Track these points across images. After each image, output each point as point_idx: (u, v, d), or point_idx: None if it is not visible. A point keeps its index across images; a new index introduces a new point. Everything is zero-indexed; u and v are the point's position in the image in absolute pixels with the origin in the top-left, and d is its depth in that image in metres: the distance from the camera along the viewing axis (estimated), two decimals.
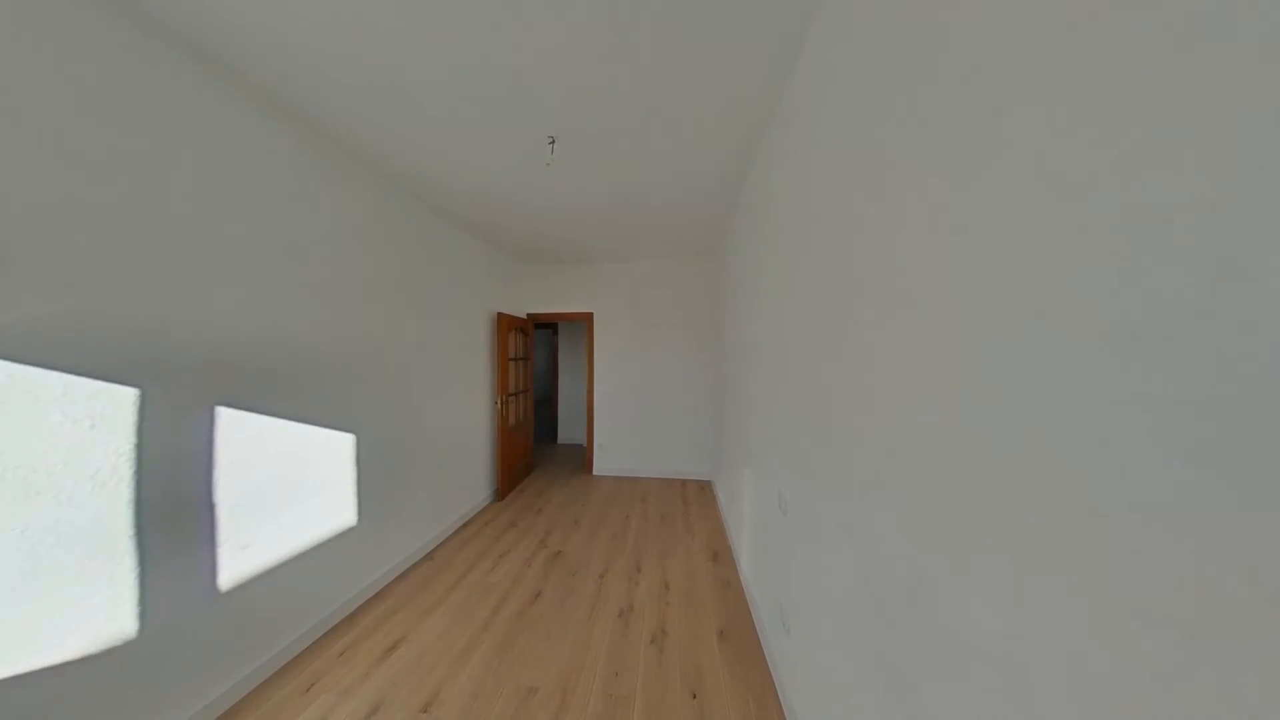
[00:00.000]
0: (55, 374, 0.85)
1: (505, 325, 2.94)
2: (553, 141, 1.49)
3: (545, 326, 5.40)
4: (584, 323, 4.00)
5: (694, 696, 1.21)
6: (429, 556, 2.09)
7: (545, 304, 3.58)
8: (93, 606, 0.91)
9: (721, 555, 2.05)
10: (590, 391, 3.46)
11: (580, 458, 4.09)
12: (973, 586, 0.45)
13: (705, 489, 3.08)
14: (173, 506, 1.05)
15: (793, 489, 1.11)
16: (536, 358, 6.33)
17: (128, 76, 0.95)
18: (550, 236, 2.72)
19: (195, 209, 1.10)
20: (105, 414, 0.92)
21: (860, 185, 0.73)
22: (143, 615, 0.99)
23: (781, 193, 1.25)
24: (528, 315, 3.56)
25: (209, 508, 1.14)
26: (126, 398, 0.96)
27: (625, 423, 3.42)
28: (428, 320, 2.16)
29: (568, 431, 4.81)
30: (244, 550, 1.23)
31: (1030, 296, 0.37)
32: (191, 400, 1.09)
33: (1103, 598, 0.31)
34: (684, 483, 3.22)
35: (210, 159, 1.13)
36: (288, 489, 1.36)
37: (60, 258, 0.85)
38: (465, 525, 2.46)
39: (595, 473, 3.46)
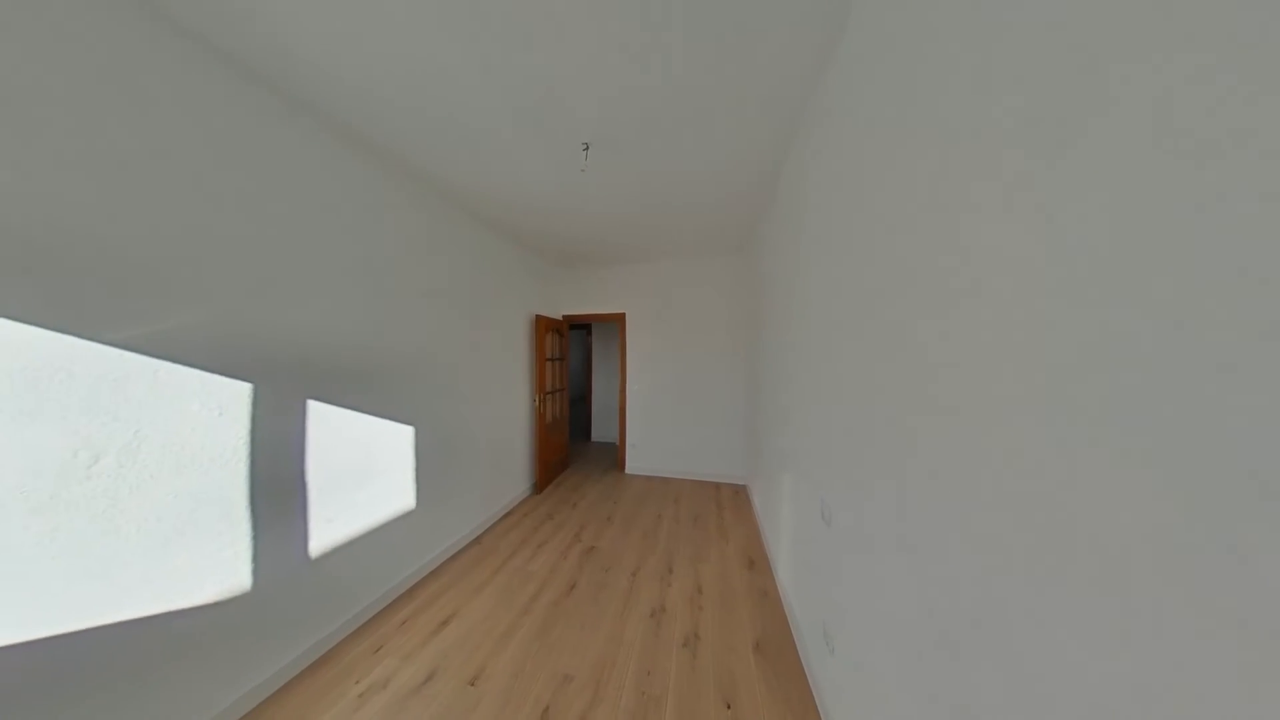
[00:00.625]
0: (195, 371, 1.05)
1: (543, 327, 3.09)
2: (586, 147, 1.54)
3: (579, 327, 5.59)
4: (616, 323, 4.07)
5: (728, 707, 1.18)
6: (476, 541, 2.26)
7: (579, 305, 3.70)
8: (222, 560, 1.11)
9: (758, 563, 1.98)
10: (622, 391, 3.52)
11: (613, 456, 4.17)
12: (1063, 621, 0.39)
13: (740, 493, 2.98)
14: (276, 482, 1.25)
15: (837, 498, 1.04)
16: (571, 358, 6.56)
17: (247, 127, 1.15)
18: (584, 240, 2.81)
19: (291, 233, 1.30)
20: (229, 404, 1.12)
21: (918, 167, 0.67)
22: (255, 572, 1.19)
23: (824, 181, 1.18)
24: (563, 317, 3.70)
25: (302, 485, 1.33)
26: (243, 391, 1.16)
27: (657, 423, 3.42)
28: (474, 323, 2.34)
29: (601, 430, 4.93)
30: (329, 523, 1.42)
31: (1152, 284, 0.31)
32: (289, 394, 1.29)
33: (1251, 651, 0.26)
34: (718, 486, 3.15)
35: (302, 189, 1.33)
36: (360, 473, 1.55)
37: (200, 278, 1.06)
38: (507, 515, 2.63)
39: (627, 471, 3.51)
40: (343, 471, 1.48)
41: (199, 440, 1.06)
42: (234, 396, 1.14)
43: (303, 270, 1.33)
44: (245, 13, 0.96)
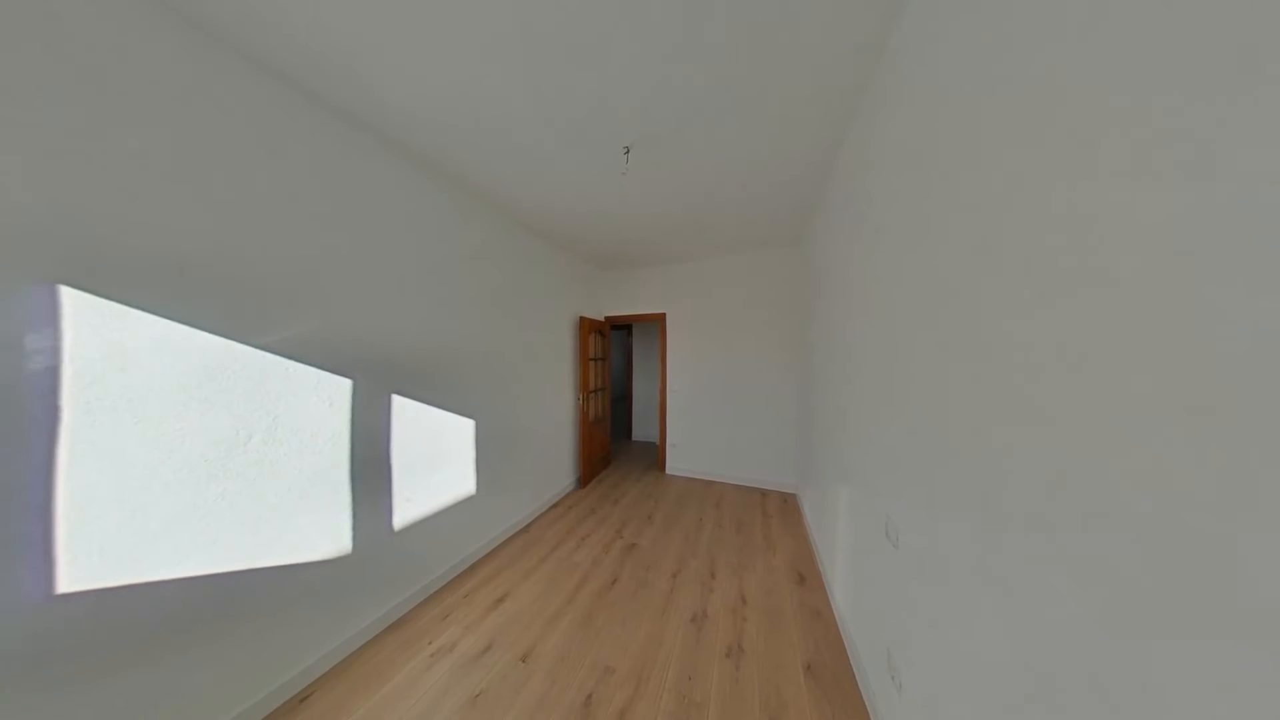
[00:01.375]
0: (312, 369, 1.28)
1: (586, 328, 3.22)
2: (627, 151, 1.57)
3: (620, 328, 5.71)
4: (656, 324, 4.08)
5: None
6: (526, 529, 2.44)
7: (620, 307, 3.78)
8: (331, 526, 1.34)
9: (809, 579, 1.85)
10: (662, 391, 3.52)
11: (653, 455, 4.19)
12: (1226, 690, 0.31)
13: (789, 502, 2.81)
14: (368, 464, 1.47)
15: (904, 516, 0.94)
16: (613, 358, 6.73)
17: (348, 164, 1.38)
18: (625, 241, 2.87)
19: (379, 250, 1.52)
20: (335, 396, 1.35)
21: (1012, 128, 0.57)
22: (354, 538, 1.42)
23: (888, 160, 1.06)
24: (605, 318, 3.82)
25: (388, 468, 1.56)
26: (345, 385, 1.39)
27: (698, 424, 3.38)
28: (524, 326, 2.52)
29: (641, 429, 4.99)
30: (408, 502, 1.64)
31: None
32: (377, 389, 1.51)
33: None
34: (763, 493, 3.00)
35: (387, 211, 1.55)
36: (431, 459, 1.77)
37: (316, 293, 1.29)
38: (553, 506, 2.79)
39: (668, 471, 3.51)
40: (418, 457, 1.70)
41: (315, 426, 1.29)
42: (339, 390, 1.37)
43: (387, 282, 1.56)
44: (345, 69, 1.15)
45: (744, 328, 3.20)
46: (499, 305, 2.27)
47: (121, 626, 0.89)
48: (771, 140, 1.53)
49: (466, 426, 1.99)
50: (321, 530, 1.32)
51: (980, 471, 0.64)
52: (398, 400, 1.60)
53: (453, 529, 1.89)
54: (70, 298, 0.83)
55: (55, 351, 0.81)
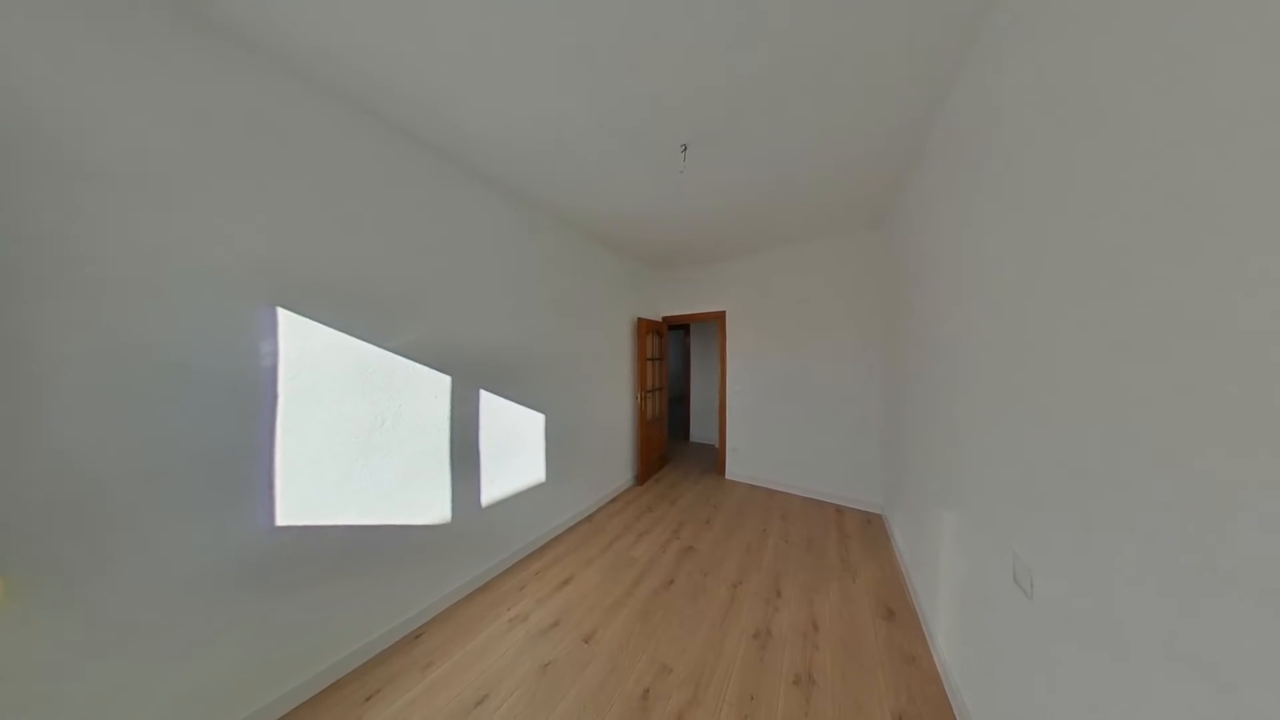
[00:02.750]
0: (424, 367, 1.57)
1: (643, 329, 3.30)
2: (685, 148, 1.57)
3: (678, 328, 5.69)
4: (715, 322, 3.96)
5: None
6: (588, 519, 2.61)
7: (677, 306, 3.78)
8: (436, 498, 1.63)
9: (900, 617, 1.61)
10: (722, 392, 3.41)
11: (712, 458, 4.09)
12: None
13: (873, 524, 2.48)
14: (463, 449, 1.75)
15: (1044, 558, 0.77)
16: (670, 357, 6.74)
17: (445, 193, 1.66)
18: (683, 241, 2.87)
19: (469, 265, 1.79)
20: (440, 390, 1.64)
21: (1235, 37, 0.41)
22: (453, 510, 1.70)
23: (1025, 102, 0.85)
24: (662, 318, 3.85)
25: (477, 453, 1.83)
26: (447, 382, 1.67)
27: (762, 428, 3.20)
28: (587, 328, 2.70)
29: (699, 430, 4.91)
30: (491, 483, 1.90)
31: None
32: (469, 384, 1.78)
33: None
34: (839, 509, 2.70)
35: (473, 233, 1.82)
36: (509, 447, 2.02)
37: (425, 304, 1.58)
38: (612, 500, 2.93)
39: (727, 476, 3.39)
40: (499, 445, 1.95)
41: (426, 414, 1.59)
42: (442, 385, 1.65)
43: (475, 294, 1.82)
44: (437, 113, 1.40)
45: (814, 323, 2.93)
46: (564, 310, 2.47)
47: (309, 555, 1.23)
48: (849, 116, 1.40)
49: (538, 420, 2.21)
50: (429, 501, 1.61)
51: (1177, 511, 0.49)
52: (484, 395, 1.87)
53: (526, 511, 2.13)
54: (284, 316, 1.17)
55: (275, 354, 1.15)
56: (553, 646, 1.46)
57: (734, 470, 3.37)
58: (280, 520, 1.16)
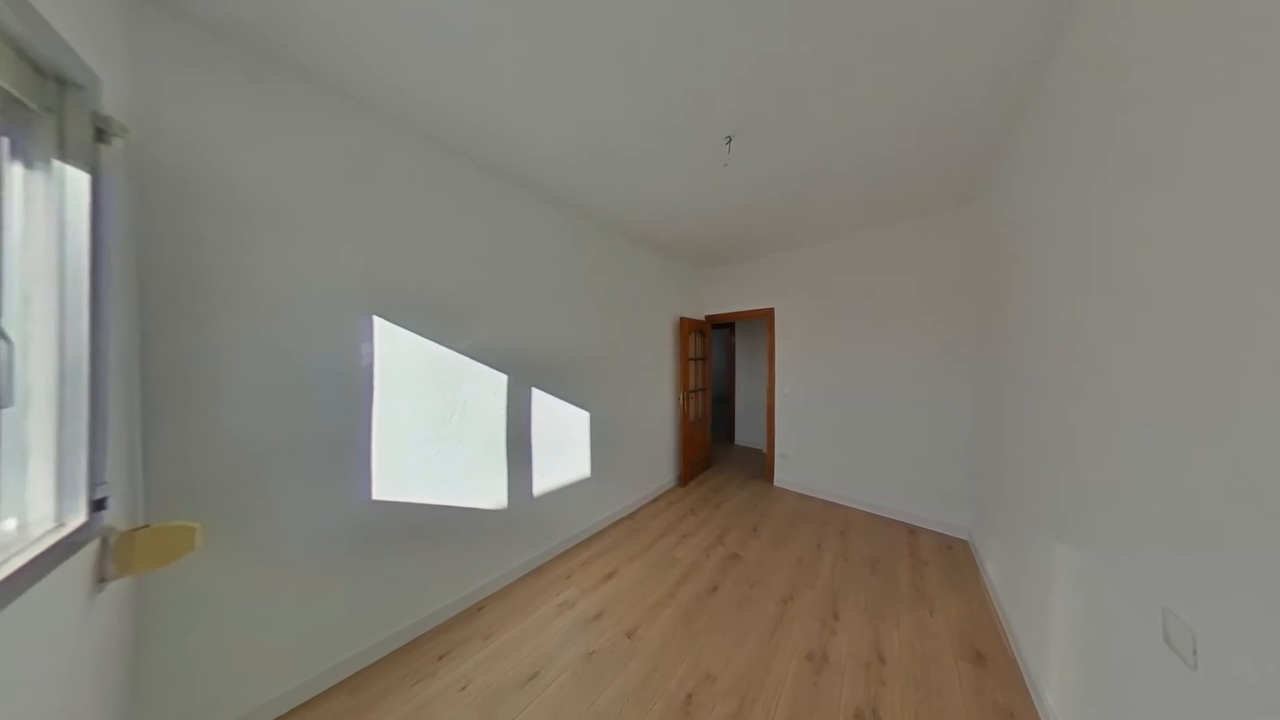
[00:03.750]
0: (484, 366, 1.75)
1: (686, 328, 3.28)
2: (729, 140, 1.52)
3: (722, 326, 5.53)
4: (763, 320, 3.78)
5: None
6: (630, 516, 2.66)
7: (722, 304, 3.68)
8: (495, 484, 1.81)
9: (992, 663, 1.40)
10: (770, 393, 3.24)
11: (758, 463, 3.91)
12: None
13: (957, 551, 2.17)
14: (517, 442, 1.92)
15: (1211, 619, 0.60)
16: (714, 357, 6.57)
17: (502, 207, 1.82)
18: (728, 236, 2.81)
19: (521, 272, 1.95)
20: (498, 387, 1.81)
21: None
22: (509, 497, 1.86)
23: (1168, 42, 0.69)
24: (705, 317, 3.78)
25: (529, 446, 1.98)
26: (503, 380, 1.84)
27: (816, 434, 2.98)
28: (629, 328, 2.77)
29: (745, 433, 4.72)
30: (543, 475, 2.05)
31: None
32: (522, 382, 1.94)
33: None
34: (914, 530, 2.42)
35: (524, 242, 1.99)
36: (558, 442, 2.15)
37: (487, 310, 1.77)
38: (654, 500, 2.95)
39: (776, 483, 3.22)
40: (549, 440, 2.09)
41: (486, 409, 1.76)
42: (500, 383, 1.82)
43: (526, 298, 1.98)
44: (487, 132, 1.54)
45: (883, 317, 2.65)
46: (608, 311, 2.55)
47: (395, 528, 1.45)
48: (929, 77, 1.23)
49: (583, 417, 2.32)
50: (489, 487, 1.78)
51: None
52: (535, 392, 2.01)
53: (573, 504, 2.25)
54: (378, 323, 1.39)
55: (371, 355, 1.37)
56: (597, 636, 1.53)
57: (783, 477, 3.19)
58: (375, 495, 1.38)
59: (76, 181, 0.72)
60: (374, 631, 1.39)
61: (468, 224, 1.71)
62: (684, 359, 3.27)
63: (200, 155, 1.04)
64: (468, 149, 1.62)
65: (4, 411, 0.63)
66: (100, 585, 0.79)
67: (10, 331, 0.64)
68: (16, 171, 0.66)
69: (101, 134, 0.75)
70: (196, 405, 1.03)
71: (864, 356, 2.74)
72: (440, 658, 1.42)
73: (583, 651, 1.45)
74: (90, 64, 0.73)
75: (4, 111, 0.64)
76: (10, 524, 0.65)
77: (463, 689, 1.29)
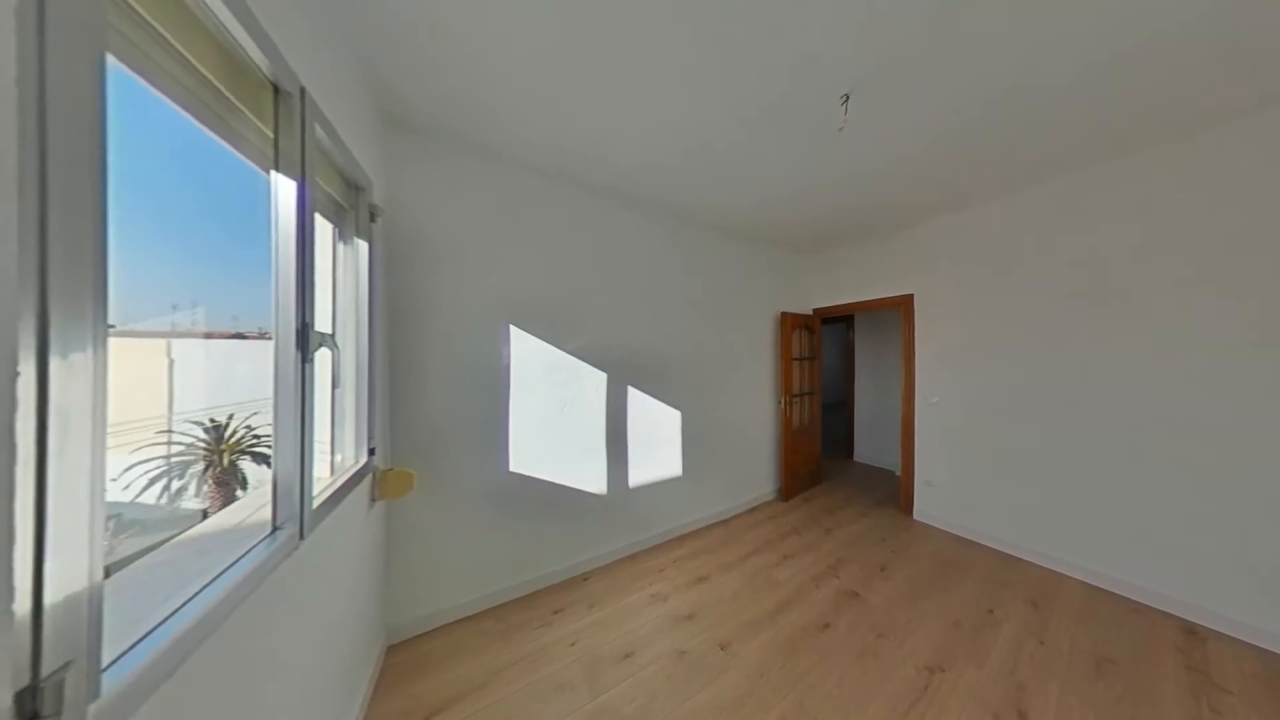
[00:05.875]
0: (588, 366, 2.01)
1: (789, 324, 3.00)
2: (845, 99, 1.32)
3: (835, 320, 4.77)
4: (895, 310, 3.12)
5: None
6: (724, 523, 2.61)
7: (833, 295, 3.22)
8: (596, 471, 2.07)
9: None
10: (908, 402, 2.67)
11: (887, 486, 3.26)
12: None
13: (1275, 671, 1.34)
14: (615, 436, 2.14)
15: None
16: (826, 356, 5.74)
17: (601, 222, 2.06)
18: (843, 213, 2.45)
19: (616, 280, 2.18)
20: (599, 385, 2.05)
21: None
22: (608, 484, 2.08)
23: None
24: (813, 310, 3.35)
25: (625, 441, 2.18)
26: (604, 378, 2.07)
27: (984, 460, 2.33)
28: (722, 327, 2.72)
29: (867, 449, 4.01)
30: (637, 468, 2.22)
31: None
32: (620, 381, 2.15)
33: None
34: (1191, 628, 1.61)
35: (621, 249, 2.21)
36: (652, 439, 2.30)
37: (591, 315, 2.05)
38: (751, 511, 2.81)
39: (916, 516, 2.61)
40: (643, 436, 2.24)
41: (590, 404, 2.02)
42: (601, 381, 2.05)
43: (622, 302, 2.19)
44: (591, 156, 1.75)
45: (1108, 299, 1.86)
46: (699, 311, 2.57)
47: (525, 497, 1.83)
48: None
49: (675, 416, 2.40)
50: (592, 474, 2.03)
51: None
52: (631, 390, 2.18)
53: (665, 500, 2.35)
54: (513, 330, 1.76)
55: (508, 355, 1.75)
56: (689, 637, 1.56)
57: (928, 510, 2.58)
58: (511, 468, 1.76)
59: (362, 248, 1.16)
60: (514, 575, 1.79)
61: (576, 241, 1.99)
62: (786, 359, 2.99)
63: (415, 220, 1.54)
64: (575, 174, 1.90)
65: (336, 391, 1.07)
66: (372, 503, 1.26)
67: (338, 341, 1.09)
68: (340, 247, 1.12)
69: (373, 216, 1.20)
70: (415, 389, 1.54)
71: (1071, 358, 1.97)
72: (555, 612, 1.70)
73: (674, 648, 1.50)
74: (368, 172, 1.17)
75: (336, 211, 1.09)
76: (338, 457, 1.10)
77: (572, 644, 1.52)
